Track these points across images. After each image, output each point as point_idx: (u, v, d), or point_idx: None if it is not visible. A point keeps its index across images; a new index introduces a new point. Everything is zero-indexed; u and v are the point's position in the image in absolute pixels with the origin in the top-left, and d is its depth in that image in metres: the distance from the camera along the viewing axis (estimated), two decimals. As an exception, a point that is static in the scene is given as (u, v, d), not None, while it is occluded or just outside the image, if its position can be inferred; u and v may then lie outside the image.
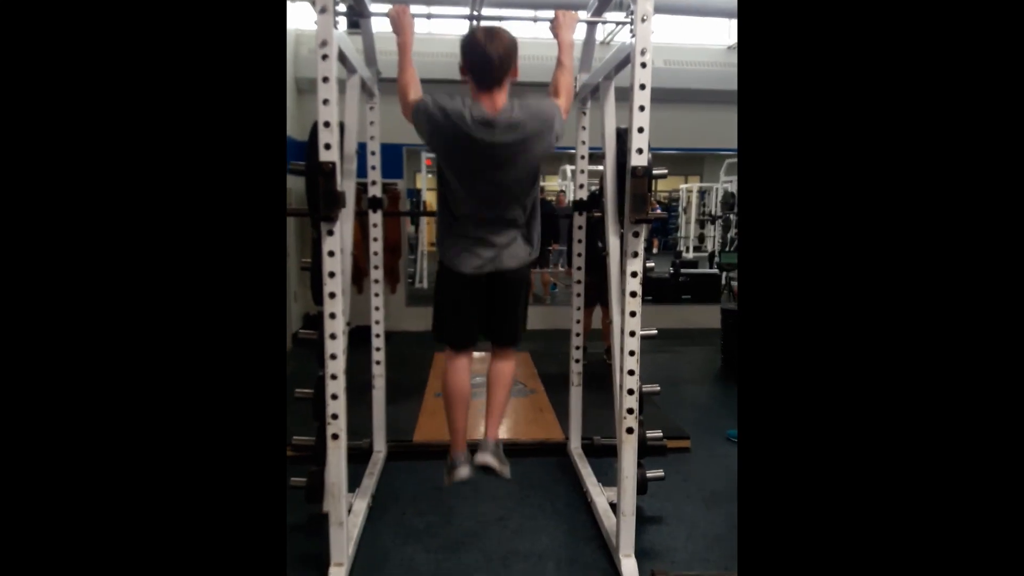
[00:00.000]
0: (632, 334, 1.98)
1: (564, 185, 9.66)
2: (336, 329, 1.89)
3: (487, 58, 1.75)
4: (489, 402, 2.08)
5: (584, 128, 2.74)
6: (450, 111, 1.77)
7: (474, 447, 2.03)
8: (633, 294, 1.97)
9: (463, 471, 2.00)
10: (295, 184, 4.88)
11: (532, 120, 1.80)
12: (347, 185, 2.16)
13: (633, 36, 1.83)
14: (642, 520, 2.13)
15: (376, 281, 2.80)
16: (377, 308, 2.80)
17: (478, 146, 1.77)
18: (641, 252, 1.98)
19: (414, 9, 2.00)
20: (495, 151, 1.78)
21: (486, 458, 1.97)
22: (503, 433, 3.23)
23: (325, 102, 1.75)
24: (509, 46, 1.78)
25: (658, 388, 2.30)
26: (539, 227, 1.98)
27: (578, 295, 2.92)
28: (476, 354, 2.07)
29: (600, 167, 2.35)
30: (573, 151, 2.79)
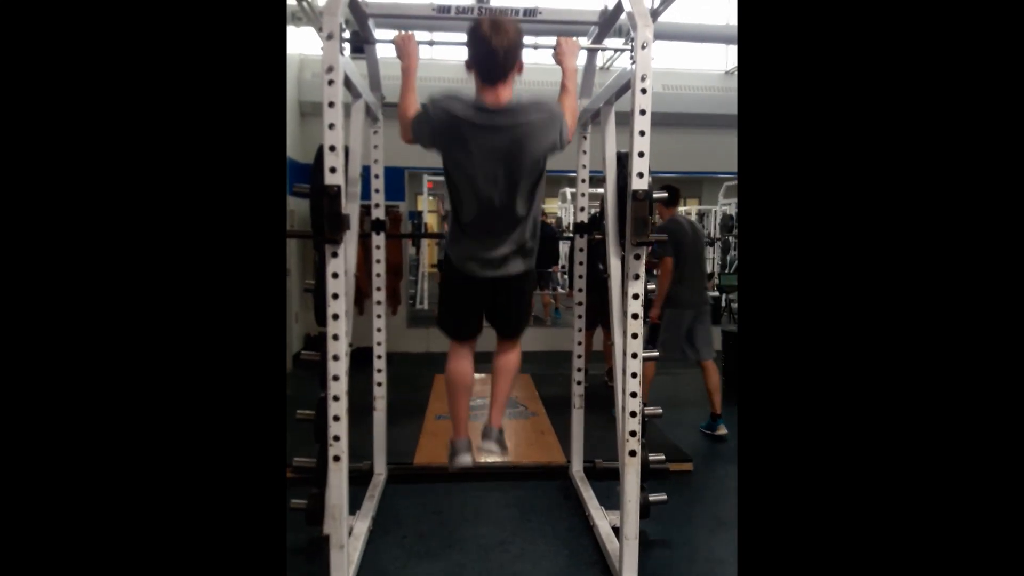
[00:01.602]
0: (634, 356, 1.98)
1: (564, 208, 9.72)
2: (339, 350, 1.89)
3: (492, 53, 1.72)
4: (493, 391, 2.15)
5: (585, 152, 2.77)
6: (452, 105, 1.78)
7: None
8: (635, 316, 1.98)
9: (465, 459, 2.09)
10: (299, 206, 4.90)
11: (537, 109, 1.79)
12: (351, 208, 2.18)
13: (633, 63, 1.87)
14: (645, 544, 2.11)
15: (378, 303, 2.80)
16: (379, 329, 2.81)
17: (481, 134, 1.75)
18: (642, 274, 2.00)
19: (418, 36, 2.04)
20: (497, 137, 1.76)
21: (490, 446, 2.10)
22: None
23: (331, 126, 1.78)
24: (515, 39, 1.74)
25: (660, 410, 2.30)
26: (537, 245, 1.99)
27: (579, 317, 2.92)
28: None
29: (600, 190, 2.38)
30: (574, 174, 2.82)
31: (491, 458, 2.17)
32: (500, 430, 2.12)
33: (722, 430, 3.66)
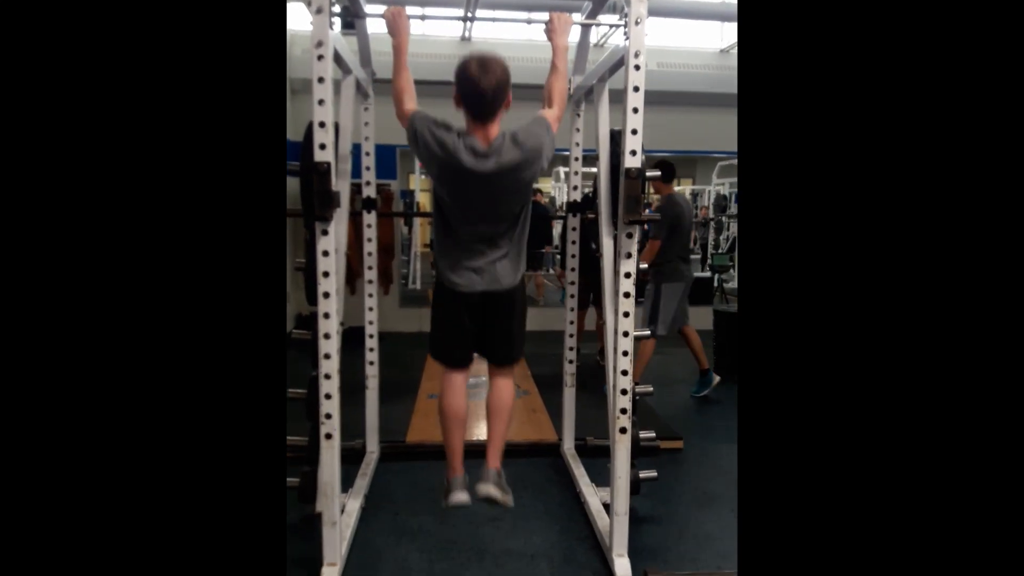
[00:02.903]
0: (625, 335, 1.99)
1: (557, 187, 9.69)
2: (330, 329, 1.89)
3: (480, 93, 1.76)
4: (489, 431, 2.05)
5: (578, 130, 2.75)
6: (443, 141, 1.80)
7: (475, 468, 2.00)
8: (627, 295, 1.99)
9: (461, 496, 1.96)
10: (289, 184, 4.87)
11: (523, 151, 1.82)
12: (341, 185, 2.16)
13: (627, 39, 1.85)
14: (635, 520, 2.14)
15: (370, 282, 2.80)
16: (371, 309, 2.80)
17: (470, 174, 1.80)
18: (635, 253, 2.00)
19: (409, 11, 2.01)
20: (487, 179, 1.81)
21: (488, 489, 1.95)
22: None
23: (320, 103, 1.75)
24: (502, 79, 1.78)
25: (651, 389, 2.31)
26: (526, 245, 1.99)
27: (572, 296, 2.93)
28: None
29: (593, 169, 2.37)
30: (567, 153, 2.80)
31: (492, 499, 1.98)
32: (499, 472, 2.00)
33: (716, 379, 3.97)
